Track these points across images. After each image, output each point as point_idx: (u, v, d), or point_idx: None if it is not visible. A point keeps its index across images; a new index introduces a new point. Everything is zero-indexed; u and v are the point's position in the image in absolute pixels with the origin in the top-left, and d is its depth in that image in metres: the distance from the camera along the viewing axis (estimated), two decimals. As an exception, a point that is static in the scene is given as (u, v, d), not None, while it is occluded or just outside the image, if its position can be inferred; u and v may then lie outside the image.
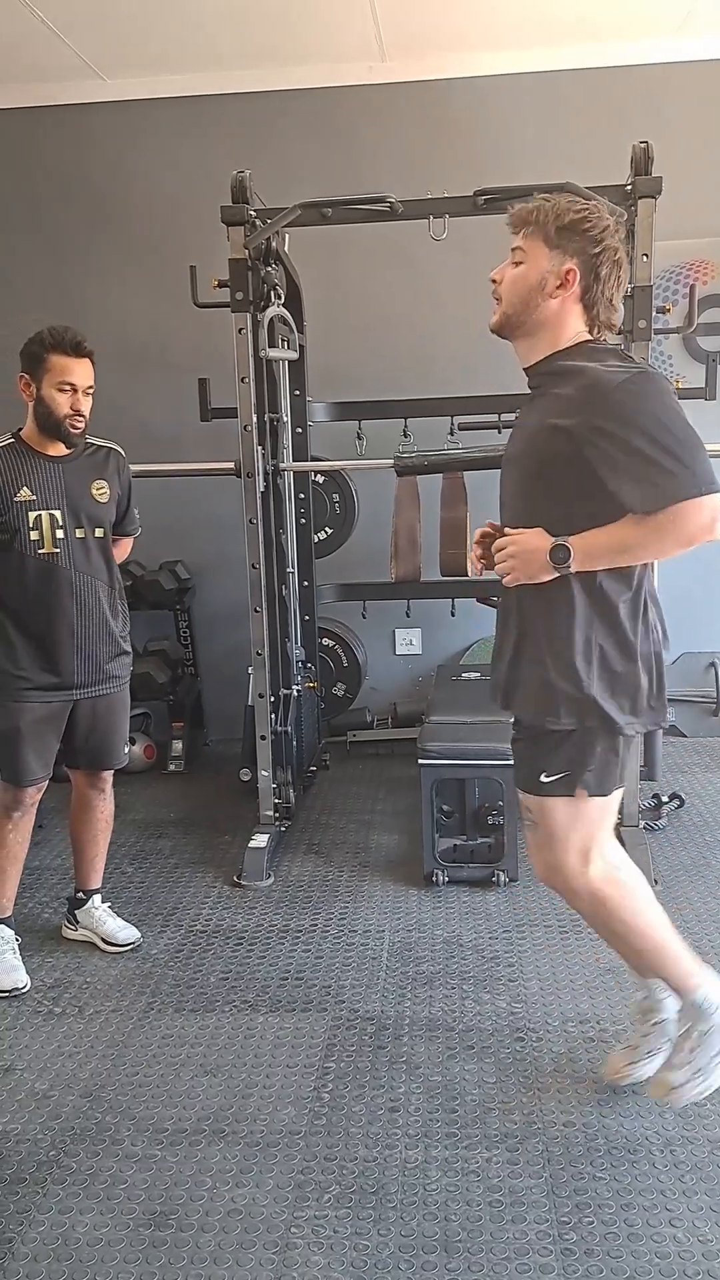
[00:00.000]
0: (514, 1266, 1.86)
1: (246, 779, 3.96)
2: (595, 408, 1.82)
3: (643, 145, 3.23)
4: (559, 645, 1.95)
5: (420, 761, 3.40)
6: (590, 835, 2.07)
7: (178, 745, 4.67)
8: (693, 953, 2.16)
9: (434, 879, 3.39)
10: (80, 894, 3.13)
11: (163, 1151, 2.20)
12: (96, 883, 3.14)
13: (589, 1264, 1.86)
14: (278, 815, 3.71)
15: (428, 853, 3.41)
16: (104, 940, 3.07)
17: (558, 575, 1.90)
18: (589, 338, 1.96)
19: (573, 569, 1.88)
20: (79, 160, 4.67)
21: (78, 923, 3.12)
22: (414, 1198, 2.04)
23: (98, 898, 3.13)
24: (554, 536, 1.89)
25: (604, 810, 2.08)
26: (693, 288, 3.82)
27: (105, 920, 3.10)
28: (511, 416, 4.05)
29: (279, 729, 3.75)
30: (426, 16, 4.03)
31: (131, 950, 3.05)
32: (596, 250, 1.90)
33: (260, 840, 3.56)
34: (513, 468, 2.05)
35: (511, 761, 2.20)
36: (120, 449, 3.02)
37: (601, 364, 1.87)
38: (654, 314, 3.31)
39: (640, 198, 3.19)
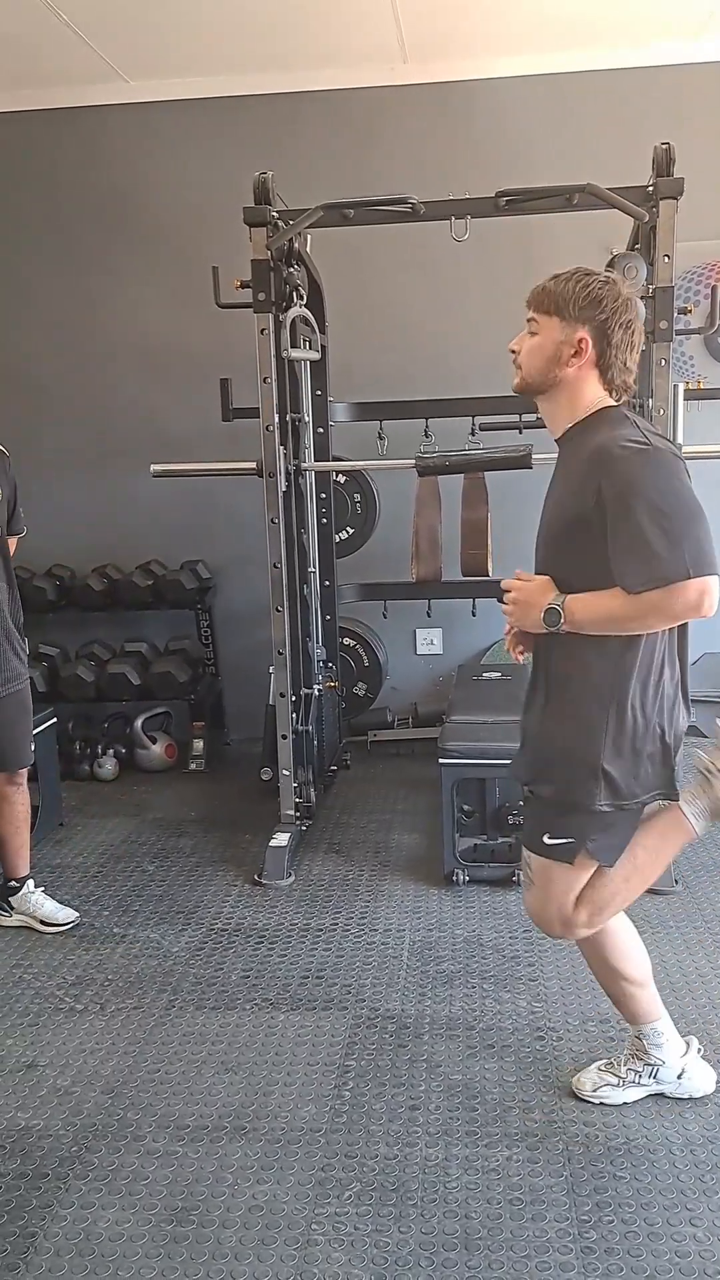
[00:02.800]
0: (534, 1264, 1.87)
1: (267, 778, 3.97)
2: (601, 477, 1.85)
3: (664, 146, 3.22)
4: (572, 710, 1.98)
5: (440, 761, 3.40)
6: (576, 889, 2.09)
7: (198, 744, 4.69)
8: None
9: (454, 878, 3.39)
10: (13, 882, 3.23)
11: (184, 1148, 2.22)
12: (25, 869, 3.25)
13: (609, 1262, 1.86)
14: (298, 814, 3.72)
15: (448, 852, 3.41)
16: (42, 922, 3.18)
17: (551, 632, 1.94)
18: (609, 403, 2.00)
19: (561, 630, 1.91)
20: (100, 162, 4.69)
21: (13, 909, 3.22)
22: (434, 1195, 2.05)
23: (30, 883, 3.23)
24: (560, 592, 1.94)
25: (589, 871, 2.09)
26: (714, 289, 3.81)
27: (43, 903, 3.21)
28: (532, 417, 4.06)
29: (300, 728, 3.76)
30: (448, 19, 4.03)
31: (71, 929, 3.17)
32: (606, 318, 1.94)
33: (281, 839, 3.58)
34: (541, 532, 2.08)
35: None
36: (4, 449, 3.10)
37: (614, 433, 1.90)
38: (675, 315, 3.29)
39: (662, 199, 3.18)
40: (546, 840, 2.03)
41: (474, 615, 4.37)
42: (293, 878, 3.51)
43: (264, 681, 3.99)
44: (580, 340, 1.94)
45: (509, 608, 2.02)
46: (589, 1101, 2.29)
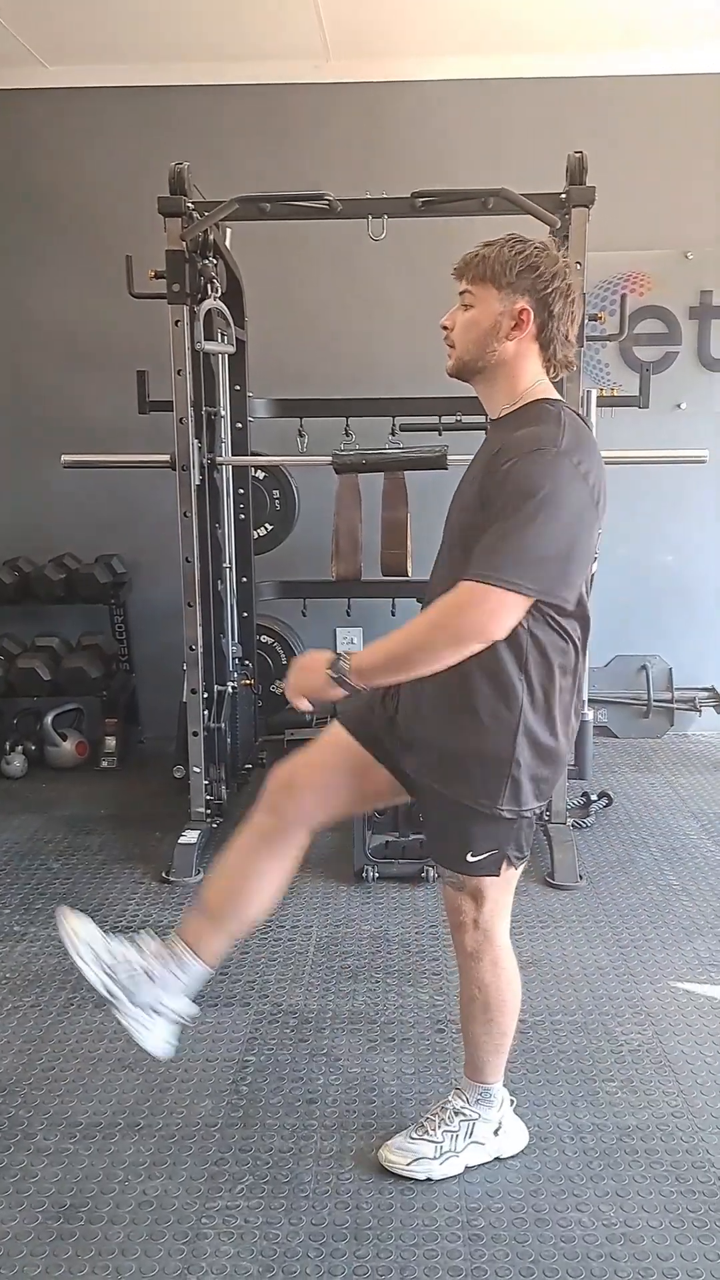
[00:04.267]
0: (422, 1253, 1.88)
1: (180, 776, 3.93)
2: (504, 465, 1.72)
3: (578, 155, 3.27)
4: (484, 710, 1.83)
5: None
6: (509, 898, 2.00)
7: (111, 742, 4.62)
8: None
9: (364, 875, 3.39)
10: None
11: (75, 1145, 2.18)
12: None
13: (495, 1249, 1.88)
14: (209, 812, 3.69)
15: (358, 849, 3.41)
16: None
17: (349, 687, 1.79)
18: (547, 393, 1.86)
19: (349, 679, 1.77)
20: (18, 146, 4.61)
21: None
22: (327, 1187, 2.04)
23: None
24: None
25: (516, 876, 2.00)
26: (623, 297, 3.90)
27: None
28: (452, 419, 4.11)
29: (212, 725, 3.73)
30: (371, 18, 4.05)
31: None
32: (547, 289, 1.81)
33: (190, 837, 3.54)
34: (451, 519, 1.94)
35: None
36: None
37: (535, 428, 1.76)
38: (586, 321, 3.35)
39: (574, 206, 3.23)
40: (470, 859, 1.89)
41: (394, 615, 4.38)
42: (202, 875, 3.47)
43: (179, 678, 3.94)
44: (521, 311, 1.81)
45: (290, 679, 1.86)
46: (403, 1177, 2.06)
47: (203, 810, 3.66)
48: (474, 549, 1.74)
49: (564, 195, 3.28)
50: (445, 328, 1.90)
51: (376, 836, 3.45)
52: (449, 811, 1.92)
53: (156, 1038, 2.00)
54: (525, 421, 1.80)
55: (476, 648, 1.71)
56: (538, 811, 1.94)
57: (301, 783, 2.07)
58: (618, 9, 4.00)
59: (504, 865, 1.92)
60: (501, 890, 1.96)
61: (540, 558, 1.69)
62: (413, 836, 3.44)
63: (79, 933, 2.00)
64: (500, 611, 1.68)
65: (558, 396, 1.87)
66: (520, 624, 1.76)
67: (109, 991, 1.96)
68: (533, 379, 1.86)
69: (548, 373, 1.88)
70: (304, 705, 1.86)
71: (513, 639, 1.77)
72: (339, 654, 1.79)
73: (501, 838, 1.90)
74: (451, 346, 1.89)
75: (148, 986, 1.98)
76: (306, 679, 1.84)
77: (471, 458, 1.95)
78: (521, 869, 1.98)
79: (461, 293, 1.87)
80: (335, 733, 2.08)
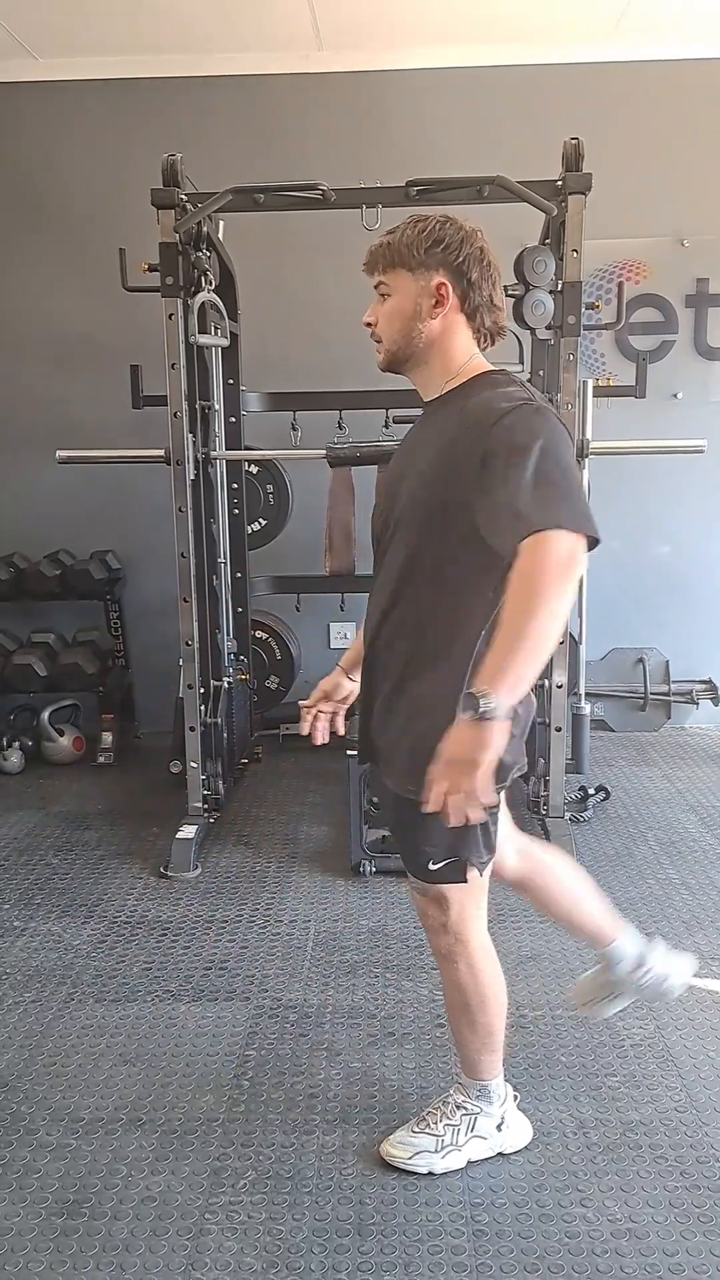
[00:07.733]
0: (426, 1248, 1.87)
1: (177, 771, 3.92)
2: (486, 432, 1.63)
3: (574, 141, 3.25)
4: (438, 700, 1.71)
5: (348, 752, 3.40)
6: (481, 897, 1.95)
7: (107, 737, 4.60)
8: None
9: (361, 869, 3.39)
10: None
11: (78, 1141, 2.18)
12: None
13: (500, 1244, 1.88)
14: (206, 807, 3.69)
15: (355, 843, 3.41)
16: None
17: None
18: (488, 366, 1.82)
19: (505, 705, 1.47)
20: (6, 140, 4.57)
21: None
22: (329, 1182, 2.04)
23: None
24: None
25: (484, 878, 1.94)
26: (620, 285, 3.88)
27: None
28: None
29: (209, 720, 3.72)
30: (363, 8, 4.02)
31: None
32: (459, 258, 1.77)
33: (188, 831, 3.53)
34: (397, 510, 1.83)
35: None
36: None
37: (496, 390, 1.71)
38: (583, 310, 3.33)
39: (570, 193, 3.22)
40: (431, 867, 1.85)
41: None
42: (199, 870, 3.48)
43: (175, 674, 3.94)
44: (439, 286, 1.77)
45: (444, 789, 1.51)
46: (405, 1170, 2.06)
47: (200, 805, 3.65)
48: (444, 522, 1.70)
49: (560, 182, 3.27)
50: (369, 324, 1.87)
51: (372, 831, 3.45)
52: (402, 813, 1.88)
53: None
54: (478, 390, 1.75)
55: (566, 580, 1.50)
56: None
57: None
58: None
59: (468, 871, 1.86)
60: (469, 893, 1.90)
61: (583, 497, 1.59)
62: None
63: None
64: (580, 551, 1.51)
65: (495, 369, 1.82)
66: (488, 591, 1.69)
67: None
68: (467, 354, 1.82)
69: (479, 345, 1.84)
70: (488, 800, 1.52)
71: (455, 605, 1.74)
72: (469, 700, 1.48)
73: (457, 842, 1.82)
74: (379, 341, 1.86)
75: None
76: (464, 770, 1.49)
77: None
78: (488, 871, 1.92)
79: (376, 285, 1.85)
80: None
